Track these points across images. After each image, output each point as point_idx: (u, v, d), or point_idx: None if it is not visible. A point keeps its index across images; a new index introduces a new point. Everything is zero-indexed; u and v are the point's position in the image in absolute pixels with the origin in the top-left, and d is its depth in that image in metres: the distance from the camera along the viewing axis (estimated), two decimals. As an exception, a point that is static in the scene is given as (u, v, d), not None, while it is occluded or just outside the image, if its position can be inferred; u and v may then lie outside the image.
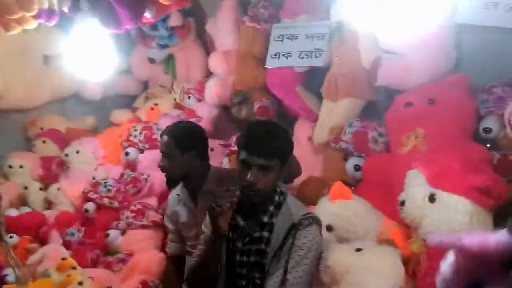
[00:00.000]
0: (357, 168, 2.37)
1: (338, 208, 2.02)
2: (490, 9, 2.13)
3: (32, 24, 2.35)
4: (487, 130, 2.06)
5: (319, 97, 2.77)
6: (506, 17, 2.10)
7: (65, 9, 2.45)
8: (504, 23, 2.11)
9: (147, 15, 2.54)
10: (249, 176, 1.59)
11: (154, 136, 3.26)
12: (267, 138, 1.61)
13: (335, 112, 2.60)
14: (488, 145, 2.07)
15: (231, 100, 3.08)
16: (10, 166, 3.29)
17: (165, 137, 2.14)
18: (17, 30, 2.32)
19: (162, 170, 2.17)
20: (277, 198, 1.73)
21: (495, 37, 2.18)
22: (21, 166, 3.28)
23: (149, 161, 3.26)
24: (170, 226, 2.33)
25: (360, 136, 2.39)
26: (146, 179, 3.13)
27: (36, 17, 2.28)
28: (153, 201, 3.02)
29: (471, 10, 2.16)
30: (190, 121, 2.71)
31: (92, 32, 3.03)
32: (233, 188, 1.60)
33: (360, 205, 2.05)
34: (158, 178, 3.21)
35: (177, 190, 2.26)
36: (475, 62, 2.26)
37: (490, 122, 2.07)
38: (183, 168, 2.11)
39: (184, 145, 2.09)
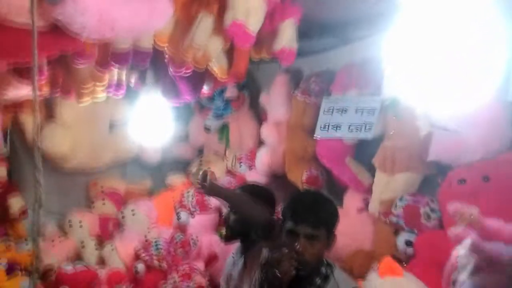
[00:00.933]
0: (408, 243, 2.30)
1: (388, 285, 1.95)
2: (544, 88, 2.12)
3: (101, 96, 2.60)
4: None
5: (370, 170, 2.78)
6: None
7: (132, 82, 2.70)
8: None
9: (206, 89, 2.74)
10: (297, 245, 1.60)
11: (205, 201, 3.38)
12: (313, 207, 1.63)
13: (392, 186, 2.57)
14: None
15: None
16: (70, 223, 3.48)
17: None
18: (88, 101, 2.56)
19: (226, 221, 2.18)
20: (323, 270, 1.71)
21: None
22: (80, 224, 3.46)
23: (199, 225, 3.36)
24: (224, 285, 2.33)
25: (412, 211, 2.35)
26: (195, 243, 3.20)
27: (105, 89, 2.52)
28: (200, 265, 3.05)
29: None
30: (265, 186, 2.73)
31: (154, 102, 3.30)
32: (291, 252, 1.58)
33: (411, 283, 1.97)
34: (207, 242, 3.28)
35: (233, 253, 2.26)
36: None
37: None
38: (245, 225, 2.05)
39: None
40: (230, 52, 2.29)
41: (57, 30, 1.68)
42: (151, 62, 2.46)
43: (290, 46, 2.17)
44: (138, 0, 1.71)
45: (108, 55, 2.01)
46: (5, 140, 3.28)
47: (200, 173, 1.83)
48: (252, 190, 2.18)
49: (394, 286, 1.95)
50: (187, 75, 2.40)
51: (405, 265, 2.29)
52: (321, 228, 1.62)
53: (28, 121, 3.33)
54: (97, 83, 2.39)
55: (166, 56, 2.23)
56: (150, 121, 3.64)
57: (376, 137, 2.73)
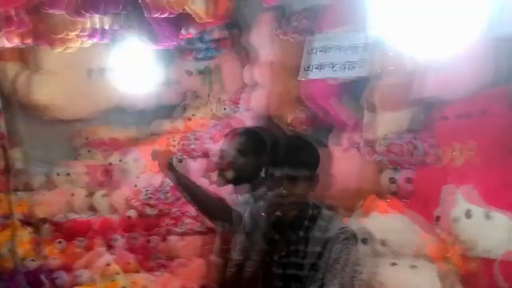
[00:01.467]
0: (392, 180, 2.37)
1: (373, 221, 2.04)
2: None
3: (75, 43, 2.49)
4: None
5: (355, 109, 2.78)
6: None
7: (106, 27, 2.58)
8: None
9: (184, 32, 2.64)
10: (282, 188, 1.63)
11: (191, 146, 3.38)
12: (294, 150, 1.66)
13: (381, 125, 2.56)
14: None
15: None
16: (58, 174, 3.48)
17: (245, 137, 2.14)
18: (61, 49, 2.46)
19: (235, 166, 2.12)
20: (310, 211, 1.76)
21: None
22: (68, 174, 3.46)
23: (187, 170, 3.38)
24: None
25: (395, 149, 2.39)
26: (184, 188, 3.24)
27: (78, 36, 2.41)
28: (191, 208, 3.11)
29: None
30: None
31: (133, 46, 3.18)
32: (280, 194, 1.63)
33: (396, 219, 2.05)
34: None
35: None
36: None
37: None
38: (254, 168, 2.03)
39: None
40: (208, -7, 2.18)
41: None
42: (126, 5, 2.34)
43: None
44: None
45: (78, 1, 1.89)
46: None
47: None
48: (252, 131, 2.16)
49: (379, 222, 2.02)
50: (165, 17, 2.30)
51: (388, 200, 2.37)
52: (303, 170, 1.64)
53: (7, 69, 3.22)
54: (70, 31, 2.28)
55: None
56: (130, 67, 3.53)
57: (363, 76, 2.69)
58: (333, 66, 2.81)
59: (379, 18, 2.27)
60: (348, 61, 2.75)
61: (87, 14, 2.14)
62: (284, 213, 1.67)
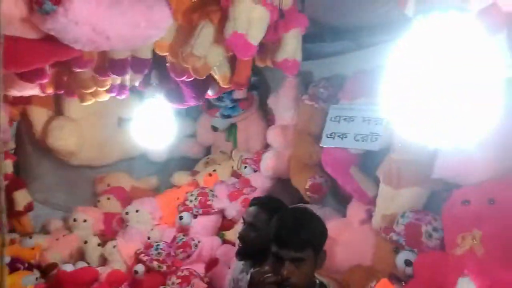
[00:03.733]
0: (407, 263, 2.24)
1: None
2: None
3: (104, 97, 2.59)
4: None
5: (376, 181, 2.71)
6: None
7: (136, 84, 2.68)
8: None
9: (210, 93, 2.70)
10: (283, 271, 1.56)
11: (208, 203, 3.36)
12: (297, 228, 1.58)
13: (396, 201, 2.47)
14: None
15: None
16: (74, 220, 3.51)
17: (256, 209, 2.13)
18: (91, 102, 2.56)
19: (243, 239, 2.14)
20: (316, 292, 1.68)
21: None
22: (84, 221, 3.49)
23: (201, 227, 3.34)
24: None
25: (413, 229, 2.28)
26: (196, 245, 3.20)
27: (108, 91, 2.51)
28: (200, 268, 3.05)
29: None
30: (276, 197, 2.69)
31: (162, 101, 3.27)
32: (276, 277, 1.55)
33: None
34: (208, 245, 3.27)
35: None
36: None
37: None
38: (265, 242, 1.89)
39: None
40: (232, 60, 2.24)
41: (53, 39, 1.66)
42: (155, 64, 2.43)
43: (293, 57, 2.10)
44: (134, 10, 1.67)
45: (105, 63, 1.98)
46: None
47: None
48: (263, 203, 2.14)
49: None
50: (190, 80, 2.36)
51: (403, 284, 2.23)
52: (306, 249, 1.57)
53: (36, 113, 3.35)
54: (99, 87, 2.37)
55: (167, 63, 2.20)
56: (158, 118, 3.62)
57: (383, 148, 2.65)
58: (356, 136, 2.79)
59: (397, 93, 2.26)
60: (371, 132, 2.73)
61: (114, 76, 2.23)
62: None
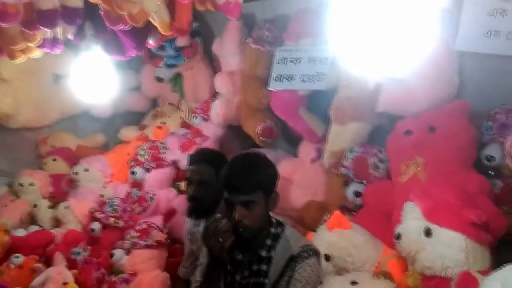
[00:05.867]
0: (357, 194, 2.37)
1: (336, 238, 2.02)
2: (491, 38, 2.12)
3: (36, 54, 2.41)
4: (490, 158, 2.03)
5: (324, 120, 2.77)
6: (508, 45, 2.08)
7: (70, 36, 2.50)
8: (505, 51, 2.09)
9: (151, 41, 2.58)
10: (234, 214, 1.60)
11: (160, 155, 3.32)
12: (245, 173, 1.61)
13: (343, 136, 2.57)
14: (491, 173, 2.05)
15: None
16: (20, 184, 3.37)
17: (203, 165, 2.09)
18: (22, 59, 2.38)
19: (192, 199, 2.11)
20: (273, 230, 1.74)
21: (496, 64, 2.16)
22: (31, 184, 3.36)
23: (155, 180, 3.32)
24: (188, 244, 2.36)
25: (360, 162, 2.39)
26: (152, 198, 3.19)
27: (40, 46, 2.33)
28: (158, 220, 3.05)
29: (473, 38, 2.16)
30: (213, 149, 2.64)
31: (99, 53, 3.10)
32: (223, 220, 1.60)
33: (358, 235, 2.05)
34: (164, 197, 3.27)
35: None
36: (476, 89, 2.24)
37: (493, 150, 2.04)
38: (217, 198, 1.90)
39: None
40: (171, 5, 2.13)
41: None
42: (89, 14, 2.27)
43: (235, -2, 2.03)
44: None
45: (33, 15, 1.82)
46: None
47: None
48: (203, 156, 2.12)
49: (341, 238, 2.01)
50: (129, 29, 2.23)
51: (354, 214, 2.37)
52: (256, 192, 1.61)
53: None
54: (29, 42, 2.19)
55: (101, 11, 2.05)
56: (98, 72, 3.44)
57: (332, 88, 2.69)
58: (303, 77, 2.81)
59: (340, 31, 2.29)
60: (317, 72, 2.76)
61: (44, 29, 2.06)
62: (241, 236, 1.63)
